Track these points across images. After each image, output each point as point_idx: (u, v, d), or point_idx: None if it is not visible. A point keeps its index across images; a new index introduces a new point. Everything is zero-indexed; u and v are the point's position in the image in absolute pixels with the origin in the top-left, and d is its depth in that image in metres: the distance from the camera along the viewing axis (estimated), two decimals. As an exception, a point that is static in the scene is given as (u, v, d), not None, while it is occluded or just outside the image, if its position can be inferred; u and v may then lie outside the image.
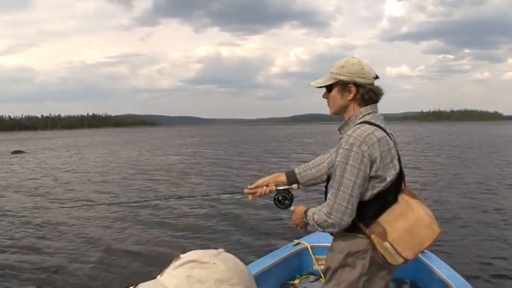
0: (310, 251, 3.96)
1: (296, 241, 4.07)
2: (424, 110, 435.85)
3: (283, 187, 2.70)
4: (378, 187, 2.30)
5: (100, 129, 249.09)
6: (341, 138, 2.36)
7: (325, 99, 2.51)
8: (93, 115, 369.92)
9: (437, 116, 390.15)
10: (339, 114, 2.47)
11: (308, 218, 2.43)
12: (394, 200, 2.35)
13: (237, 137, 64.21)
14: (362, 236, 2.33)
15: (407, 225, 2.30)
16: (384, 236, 2.28)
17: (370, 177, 2.27)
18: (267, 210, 10.35)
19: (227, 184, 12.19)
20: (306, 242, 4.02)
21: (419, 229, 2.32)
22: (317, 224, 2.36)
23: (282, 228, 8.52)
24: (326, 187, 2.50)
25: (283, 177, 2.76)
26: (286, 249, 4.02)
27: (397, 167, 2.34)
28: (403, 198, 2.37)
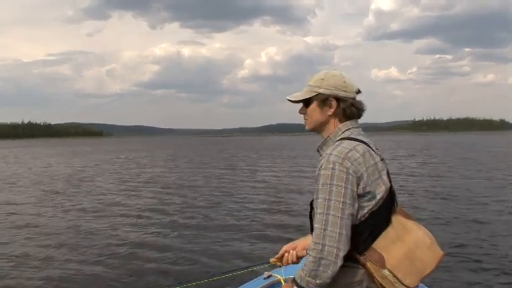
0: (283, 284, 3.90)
1: (267, 273, 4.08)
2: (417, 119, 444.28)
3: None
4: (367, 206, 2.35)
5: (38, 139, 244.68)
6: (321, 160, 2.47)
7: (302, 115, 2.65)
8: (30, 123, 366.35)
9: (431, 126, 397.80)
10: (317, 131, 2.62)
11: (299, 280, 2.38)
12: (387, 223, 2.42)
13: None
14: (355, 265, 2.36)
15: (406, 249, 2.36)
16: (381, 262, 2.32)
17: (359, 196, 2.33)
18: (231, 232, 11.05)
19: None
20: (278, 275, 4.02)
21: (419, 252, 2.37)
22: (312, 273, 2.31)
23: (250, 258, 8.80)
24: (310, 217, 2.53)
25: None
26: (257, 283, 4.08)
27: (387, 181, 2.42)
28: (397, 219, 2.44)
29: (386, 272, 2.31)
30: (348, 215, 2.29)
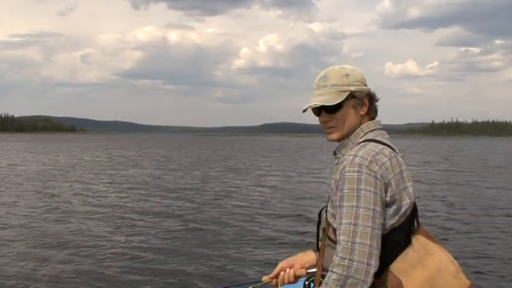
0: None
1: None
2: (436, 121, 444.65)
3: (316, 269, 2.69)
4: (391, 220, 2.31)
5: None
6: (337, 164, 2.47)
7: (321, 121, 2.56)
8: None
9: (453, 129, 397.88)
10: (345, 139, 2.53)
11: None
12: (406, 243, 2.37)
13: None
14: None
15: (428, 275, 2.28)
16: None
17: (385, 205, 2.30)
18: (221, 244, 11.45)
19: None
20: None
21: (442, 280, 2.29)
22: None
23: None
24: (318, 228, 2.61)
25: (311, 256, 2.84)
26: None
27: (412, 195, 2.37)
28: (418, 240, 2.37)
29: None
30: (378, 224, 2.23)
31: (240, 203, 18.22)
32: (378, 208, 2.22)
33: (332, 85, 2.47)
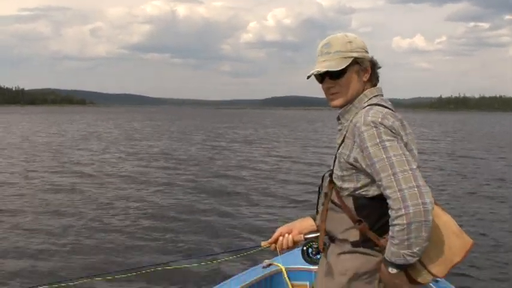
0: (285, 275, 4.06)
1: (267, 262, 4.16)
2: (444, 96, 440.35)
3: (314, 234, 2.79)
4: None
5: (9, 106, 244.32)
6: (341, 129, 2.56)
7: (325, 88, 2.59)
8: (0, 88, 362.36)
9: (461, 103, 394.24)
10: (348, 104, 2.56)
11: (393, 258, 2.24)
12: None
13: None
14: (371, 251, 2.39)
15: (434, 236, 2.27)
16: None
17: None
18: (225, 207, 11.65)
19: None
20: (280, 264, 4.11)
21: (447, 239, 2.32)
22: (405, 244, 2.19)
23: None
24: (319, 192, 2.68)
25: (310, 222, 2.91)
26: (254, 273, 4.09)
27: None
28: None
29: None
30: (415, 166, 2.25)
31: (252, 172, 18.72)
32: (406, 153, 2.26)
33: (336, 51, 2.50)
